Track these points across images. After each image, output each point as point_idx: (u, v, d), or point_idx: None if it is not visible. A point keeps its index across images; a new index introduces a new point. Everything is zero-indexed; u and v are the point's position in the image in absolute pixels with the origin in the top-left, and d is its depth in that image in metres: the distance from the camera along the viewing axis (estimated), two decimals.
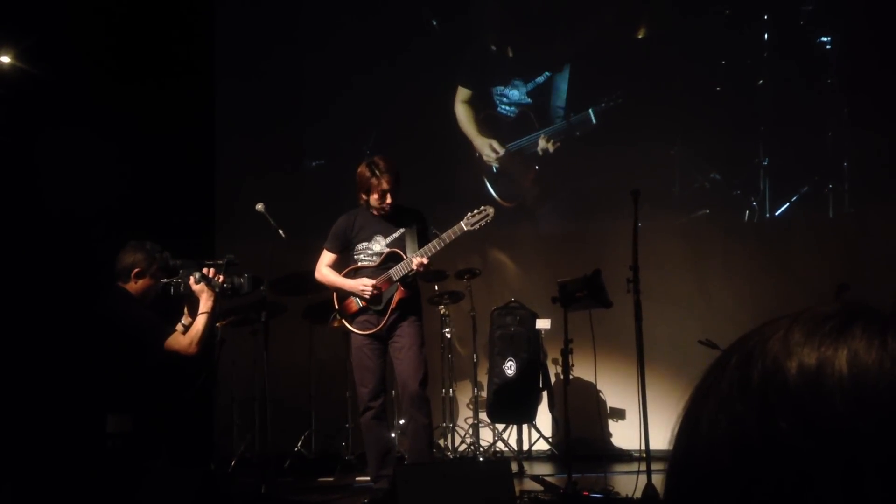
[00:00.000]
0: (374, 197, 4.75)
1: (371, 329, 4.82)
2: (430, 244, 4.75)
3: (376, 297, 4.79)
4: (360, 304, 4.85)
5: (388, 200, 4.74)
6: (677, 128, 6.98)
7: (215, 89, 7.76)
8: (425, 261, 4.67)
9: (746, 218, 6.88)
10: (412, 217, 4.89)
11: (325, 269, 4.95)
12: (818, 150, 6.75)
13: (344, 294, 4.90)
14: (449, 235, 4.75)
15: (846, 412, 0.51)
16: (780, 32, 6.93)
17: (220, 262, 4.23)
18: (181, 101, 7.20)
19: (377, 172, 4.71)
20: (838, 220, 6.69)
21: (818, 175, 6.75)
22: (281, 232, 5.25)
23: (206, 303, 4.08)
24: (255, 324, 6.27)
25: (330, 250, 4.98)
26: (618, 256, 5.36)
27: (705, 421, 0.57)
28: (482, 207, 4.87)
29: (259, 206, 5.26)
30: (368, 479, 5.01)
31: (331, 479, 6.00)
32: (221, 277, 4.17)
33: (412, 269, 4.70)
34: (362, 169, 4.80)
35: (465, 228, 4.79)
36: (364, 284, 4.76)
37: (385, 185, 4.71)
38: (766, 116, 6.89)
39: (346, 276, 4.90)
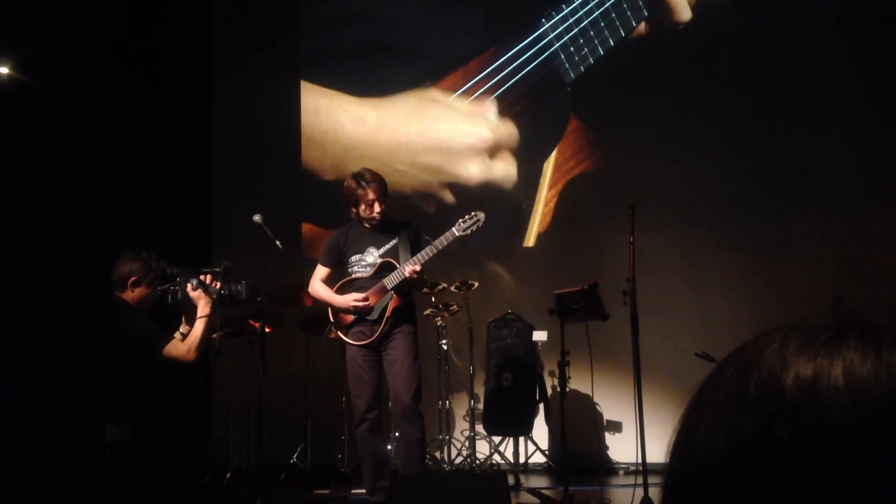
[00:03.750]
0: (363, 208, 4.81)
1: (365, 340, 4.82)
2: (422, 252, 4.79)
3: (370, 308, 4.81)
4: (355, 315, 4.87)
5: (377, 209, 4.78)
6: (674, 140, 7.00)
7: (213, 98, 7.78)
8: (417, 268, 4.71)
9: (742, 230, 6.89)
10: (404, 228, 4.94)
11: (317, 285, 4.97)
12: (815, 161, 6.77)
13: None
14: (441, 242, 4.79)
15: (843, 422, 0.52)
16: (779, 42, 6.95)
17: (218, 269, 4.22)
18: (179, 111, 7.22)
19: (363, 183, 4.77)
20: (835, 232, 6.70)
21: (815, 186, 6.76)
22: (278, 243, 5.25)
23: (203, 308, 4.08)
24: (251, 335, 6.27)
25: (324, 265, 5.01)
26: (614, 269, 5.37)
27: (703, 432, 0.57)
28: (473, 213, 4.91)
29: (256, 218, 5.26)
30: (364, 491, 5.00)
31: (327, 491, 5.97)
32: (219, 284, 4.17)
33: (405, 277, 4.72)
34: (349, 181, 4.86)
35: (457, 234, 4.83)
36: (355, 300, 4.78)
37: (371, 195, 4.76)
38: (764, 126, 6.91)
39: (340, 288, 4.92)
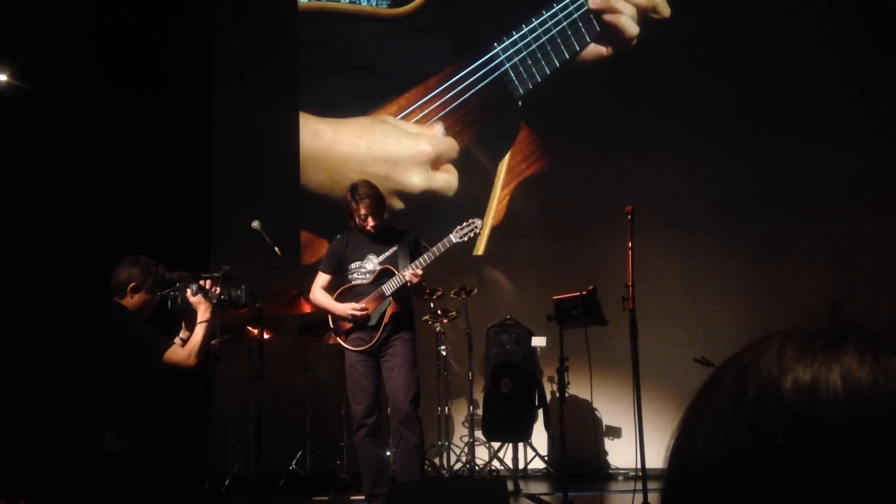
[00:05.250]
0: (357, 221, 4.83)
1: (364, 346, 4.83)
2: (421, 257, 4.82)
3: (368, 315, 4.82)
4: (353, 322, 4.88)
5: (372, 223, 4.82)
6: (672, 144, 7.01)
7: (212, 105, 7.79)
8: (419, 272, 4.73)
9: (742, 235, 6.90)
10: (404, 237, 4.96)
11: (318, 292, 5.00)
12: (814, 167, 6.78)
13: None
14: (438, 248, 4.82)
15: (842, 427, 0.52)
16: (776, 47, 6.97)
17: (217, 273, 4.22)
18: (178, 117, 7.23)
19: (357, 197, 4.81)
20: (833, 238, 6.71)
21: (813, 192, 6.77)
22: (277, 250, 5.26)
23: (203, 313, 4.07)
24: (250, 341, 6.26)
25: (324, 271, 5.03)
26: (613, 274, 5.37)
27: (701, 437, 0.57)
28: (470, 220, 4.94)
29: (255, 224, 5.27)
30: (363, 497, 4.99)
31: (325, 497, 5.97)
32: (218, 289, 4.17)
33: (405, 282, 4.74)
34: (345, 194, 4.92)
35: (455, 240, 4.86)
36: (353, 309, 4.79)
37: (364, 210, 4.79)
38: (761, 132, 6.93)
39: (340, 295, 4.94)
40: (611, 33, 7.11)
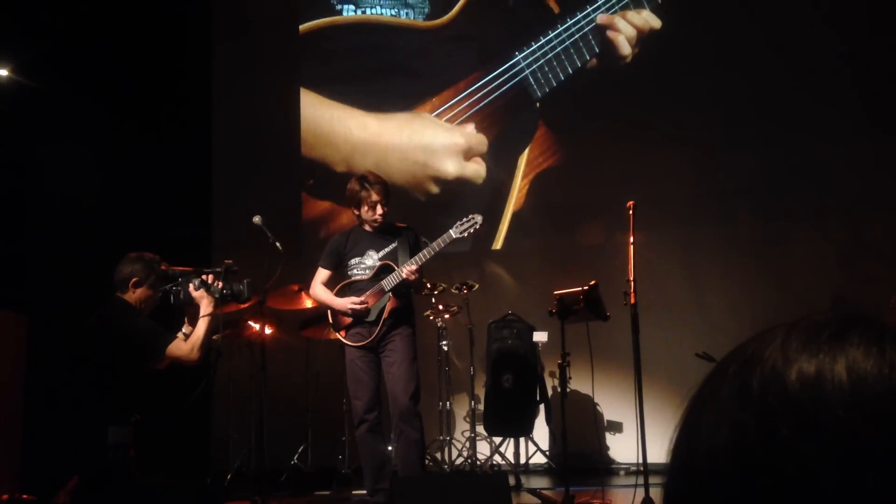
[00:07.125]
0: (366, 209, 4.83)
1: (363, 341, 4.84)
2: (419, 253, 4.82)
3: (368, 310, 4.83)
4: (353, 317, 4.89)
5: (380, 211, 4.81)
6: (674, 139, 7.01)
7: (213, 100, 7.79)
8: (414, 268, 4.72)
9: (743, 230, 6.90)
10: (404, 233, 4.96)
11: (318, 287, 5.00)
12: (815, 161, 6.78)
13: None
14: (438, 243, 4.81)
15: (847, 418, 0.52)
16: (777, 43, 6.97)
17: (219, 268, 4.23)
18: (178, 112, 7.23)
19: (367, 185, 4.81)
20: (834, 233, 6.70)
21: (815, 186, 6.77)
22: (278, 245, 5.26)
23: (206, 308, 4.08)
24: (251, 336, 6.27)
25: (324, 267, 5.04)
26: (614, 269, 5.37)
27: (705, 429, 0.57)
28: (470, 216, 4.93)
29: (256, 219, 5.26)
30: (365, 492, 5.00)
31: (327, 492, 5.98)
32: (221, 284, 4.17)
33: (403, 279, 4.74)
34: (352, 184, 4.89)
35: (454, 236, 4.85)
36: (353, 303, 4.80)
37: (374, 197, 4.79)
38: (763, 127, 6.93)
39: (340, 290, 4.94)
40: (607, 49, 7.65)
